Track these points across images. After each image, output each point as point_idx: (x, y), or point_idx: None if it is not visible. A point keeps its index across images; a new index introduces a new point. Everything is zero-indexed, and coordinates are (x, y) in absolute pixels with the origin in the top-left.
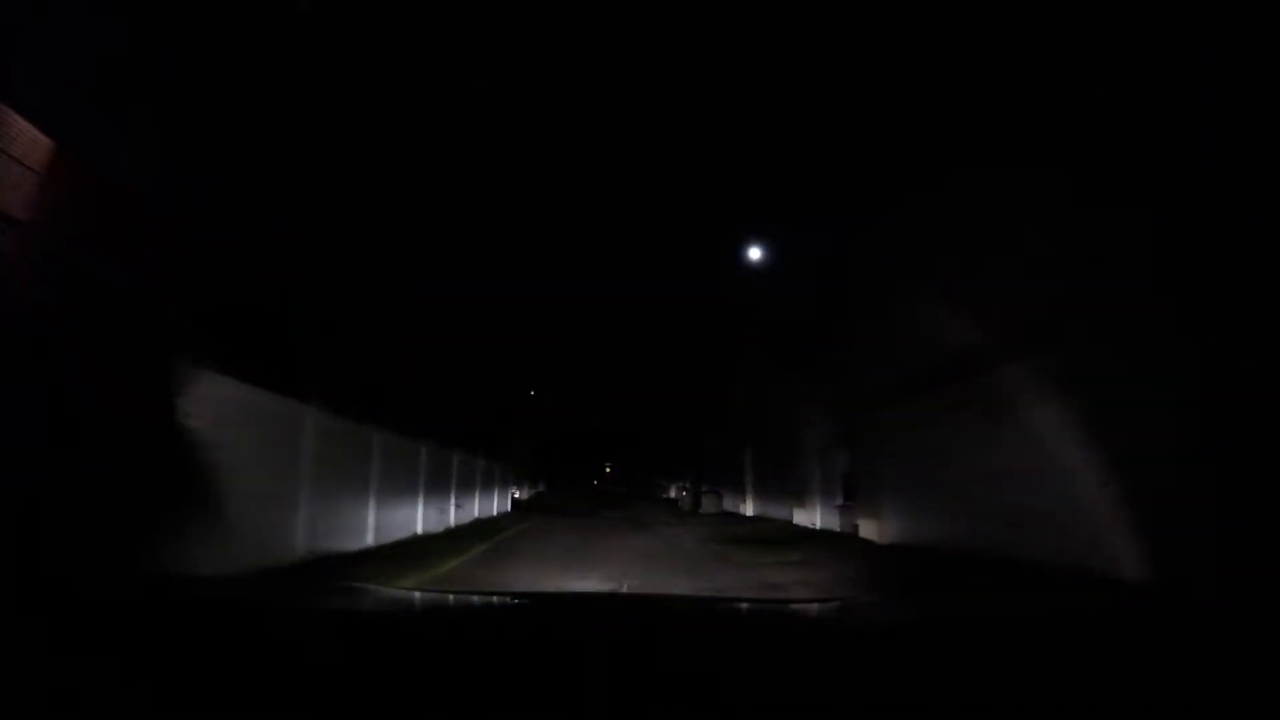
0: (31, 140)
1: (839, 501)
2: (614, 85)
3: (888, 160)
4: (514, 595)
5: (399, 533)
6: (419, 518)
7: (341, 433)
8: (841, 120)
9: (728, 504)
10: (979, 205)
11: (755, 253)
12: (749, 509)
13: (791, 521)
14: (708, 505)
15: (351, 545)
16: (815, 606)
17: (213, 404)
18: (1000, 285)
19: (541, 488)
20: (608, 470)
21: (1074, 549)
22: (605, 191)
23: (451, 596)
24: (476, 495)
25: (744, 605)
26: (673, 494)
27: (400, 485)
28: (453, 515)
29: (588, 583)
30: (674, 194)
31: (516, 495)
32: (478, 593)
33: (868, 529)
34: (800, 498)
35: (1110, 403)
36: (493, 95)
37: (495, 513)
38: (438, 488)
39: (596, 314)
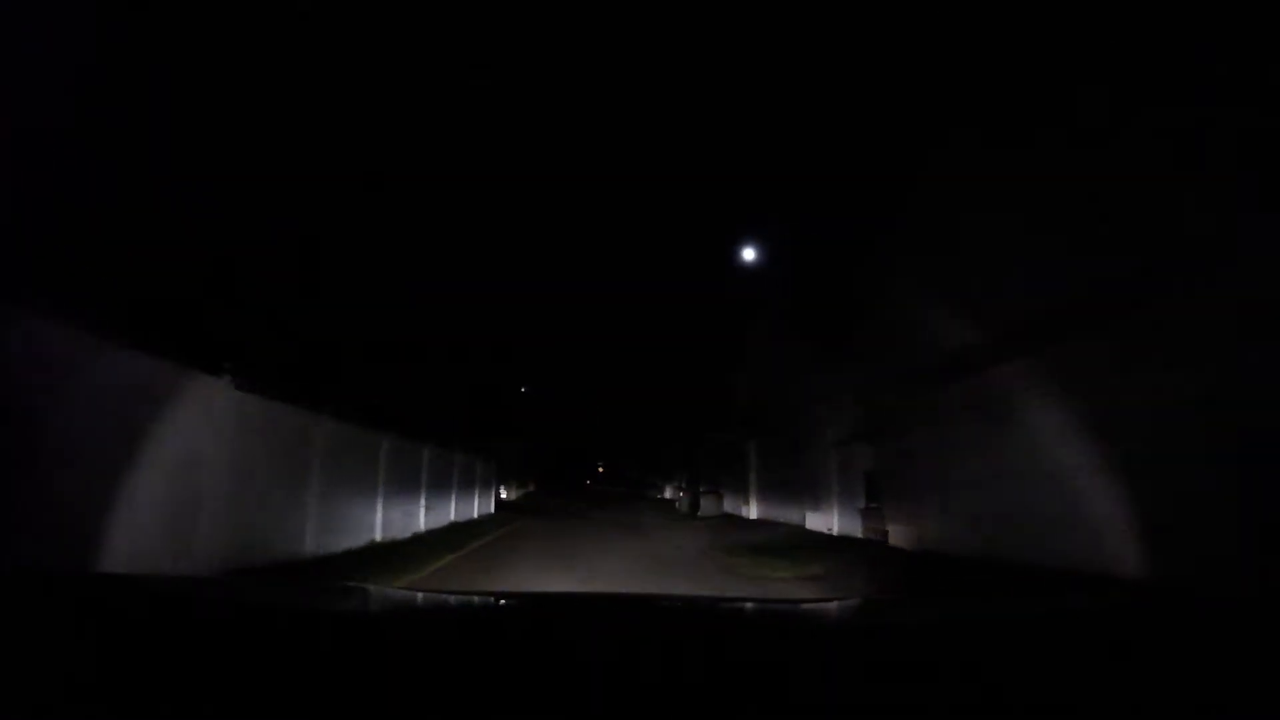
0: None
1: (861, 503)
2: (613, 85)
3: (905, 136)
4: (514, 595)
5: (352, 539)
6: (378, 522)
7: (266, 416)
8: (851, 104)
9: (729, 505)
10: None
11: (750, 253)
12: (753, 511)
13: (804, 526)
14: (707, 507)
15: (284, 554)
16: (818, 606)
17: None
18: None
19: (531, 487)
20: (600, 469)
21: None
22: (604, 188)
23: (451, 597)
24: (454, 496)
25: (746, 605)
26: (668, 494)
27: (354, 483)
28: (422, 519)
29: None
30: (674, 188)
31: (504, 495)
32: (477, 593)
33: (899, 535)
34: (814, 499)
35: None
36: (493, 95)
37: (476, 515)
38: (404, 487)
39: (590, 308)
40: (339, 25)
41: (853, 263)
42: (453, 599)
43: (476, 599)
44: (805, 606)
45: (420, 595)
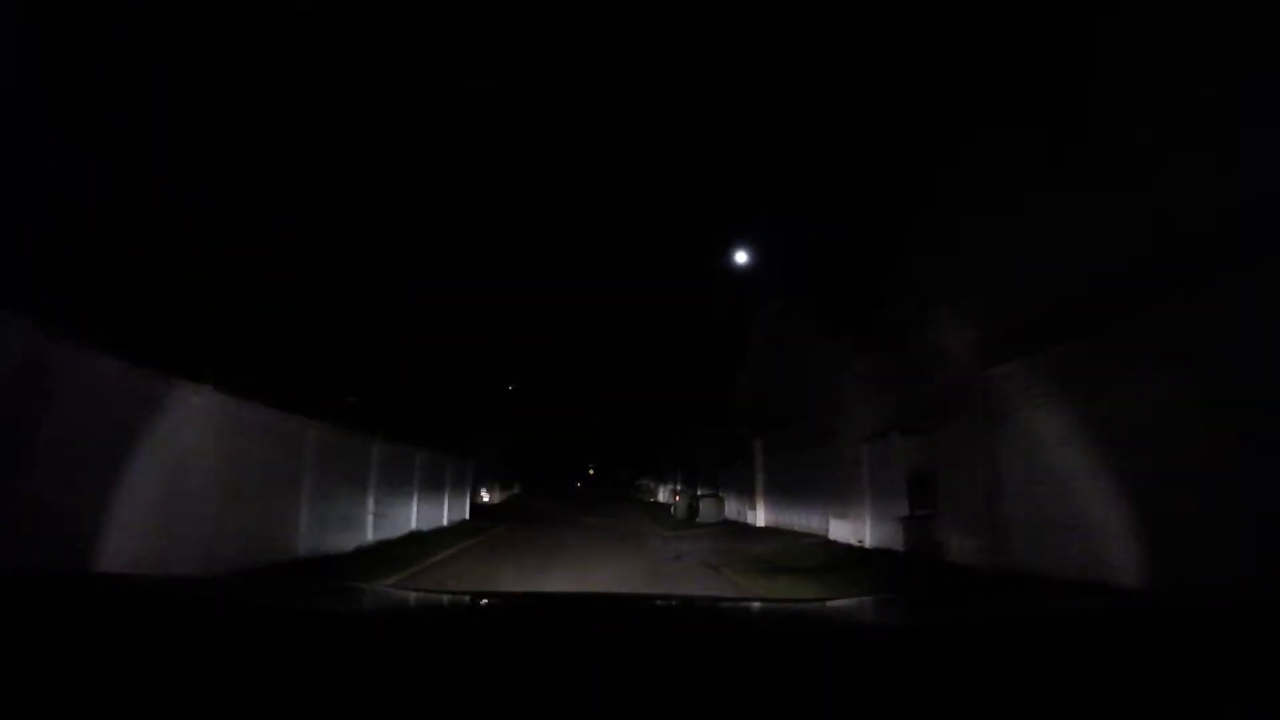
0: None
1: (903, 510)
2: (613, 84)
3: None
4: (514, 595)
5: (266, 554)
6: (300, 535)
7: (115, 392)
8: (860, 98)
9: (731, 509)
10: None
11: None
12: (760, 517)
13: (826, 536)
14: (706, 512)
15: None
16: (819, 606)
17: None
18: None
19: (517, 489)
20: (591, 471)
21: None
22: (600, 183)
23: (451, 596)
24: (415, 500)
25: (748, 605)
26: (662, 497)
27: (269, 484)
28: (370, 529)
29: None
30: (674, 176)
31: (485, 498)
32: (477, 593)
33: (963, 549)
34: (839, 504)
35: None
36: (493, 95)
37: (445, 522)
38: (346, 489)
39: (583, 305)
40: (339, 25)
41: (876, 240)
42: (453, 599)
43: (477, 599)
44: (807, 606)
45: (420, 595)
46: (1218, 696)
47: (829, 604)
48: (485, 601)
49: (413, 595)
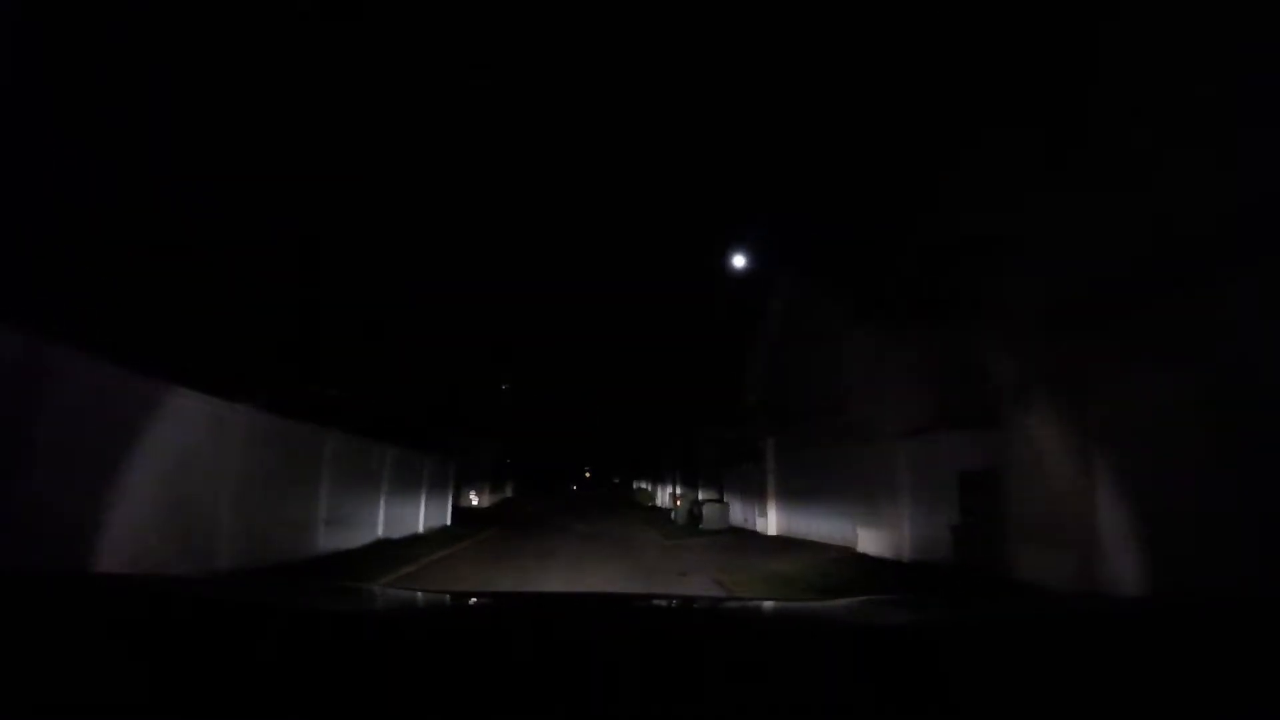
0: None
1: (953, 518)
2: (613, 84)
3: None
4: (514, 595)
5: (169, 563)
6: (220, 544)
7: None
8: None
9: (737, 514)
10: None
11: (740, 260)
12: (771, 524)
13: (854, 547)
14: (710, 518)
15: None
16: (820, 605)
17: None
18: None
19: (509, 491)
20: (587, 474)
21: None
22: (601, 180)
23: (451, 596)
24: (382, 503)
25: (749, 605)
26: (661, 500)
27: (179, 475)
28: (320, 536)
29: None
30: (675, 173)
31: (475, 501)
32: (477, 593)
33: (1042, 564)
34: (871, 509)
35: None
36: (493, 95)
37: (421, 528)
38: (287, 490)
39: (579, 303)
40: (339, 25)
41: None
42: (453, 598)
43: (477, 599)
44: (807, 606)
45: (420, 595)
46: (1218, 697)
47: (829, 604)
48: (485, 601)
49: (413, 595)
